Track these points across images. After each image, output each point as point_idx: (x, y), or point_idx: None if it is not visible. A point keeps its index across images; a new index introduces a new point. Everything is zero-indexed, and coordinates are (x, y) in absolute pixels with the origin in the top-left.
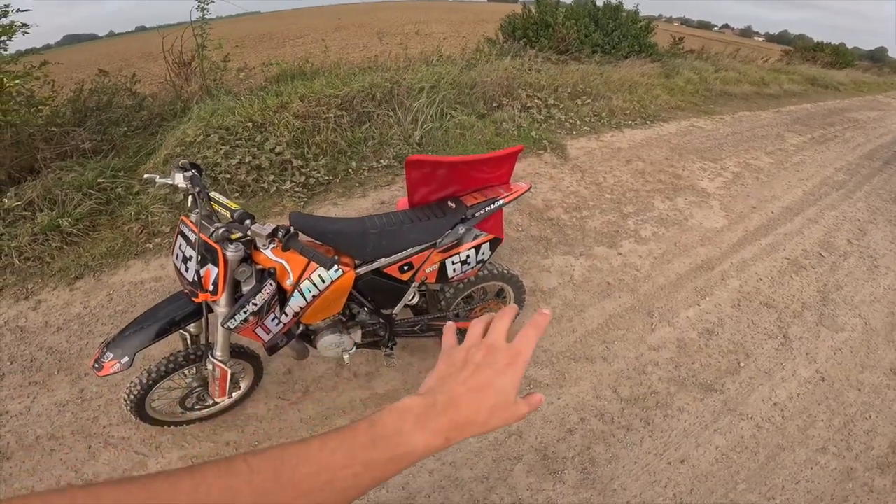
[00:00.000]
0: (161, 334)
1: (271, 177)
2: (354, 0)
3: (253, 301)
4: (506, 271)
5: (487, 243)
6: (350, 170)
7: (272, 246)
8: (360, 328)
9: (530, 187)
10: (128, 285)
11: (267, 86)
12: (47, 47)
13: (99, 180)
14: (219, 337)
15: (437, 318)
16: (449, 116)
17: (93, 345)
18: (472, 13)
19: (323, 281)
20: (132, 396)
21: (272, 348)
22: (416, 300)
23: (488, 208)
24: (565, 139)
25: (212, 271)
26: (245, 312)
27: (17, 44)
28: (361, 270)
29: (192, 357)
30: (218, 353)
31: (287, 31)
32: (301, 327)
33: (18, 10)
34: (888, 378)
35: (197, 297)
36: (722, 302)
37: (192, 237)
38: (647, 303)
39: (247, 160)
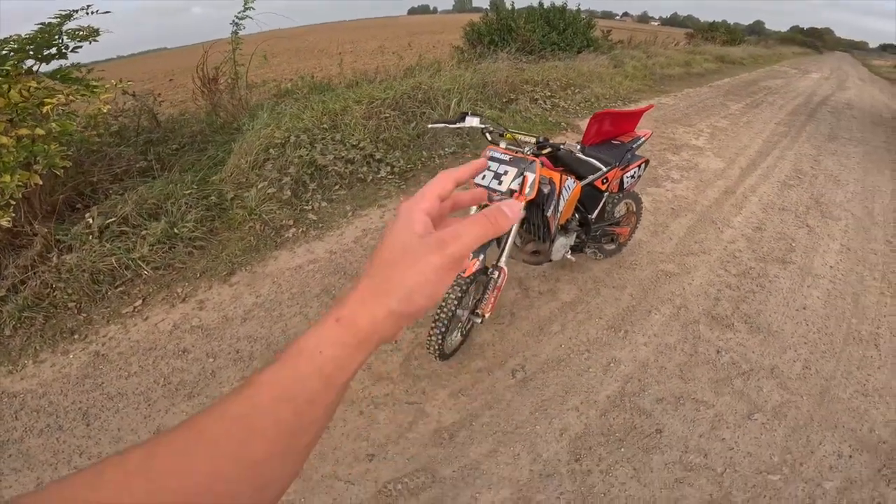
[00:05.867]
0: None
1: (364, 168)
2: (281, 26)
3: (559, 196)
4: (634, 192)
5: (645, 163)
6: (423, 159)
7: (580, 153)
8: (574, 234)
9: (652, 133)
10: (287, 272)
11: (297, 97)
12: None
13: (185, 192)
14: (509, 242)
15: (609, 224)
16: (482, 111)
17: (291, 324)
18: (402, 28)
19: (569, 189)
20: (445, 318)
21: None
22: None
23: (639, 142)
24: (575, 120)
25: (529, 177)
26: (557, 206)
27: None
28: (584, 182)
29: (484, 269)
30: (504, 258)
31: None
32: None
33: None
34: (884, 242)
35: None
36: (755, 211)
37: (506, 157)
38: (707, 216)
39: (341, 155)
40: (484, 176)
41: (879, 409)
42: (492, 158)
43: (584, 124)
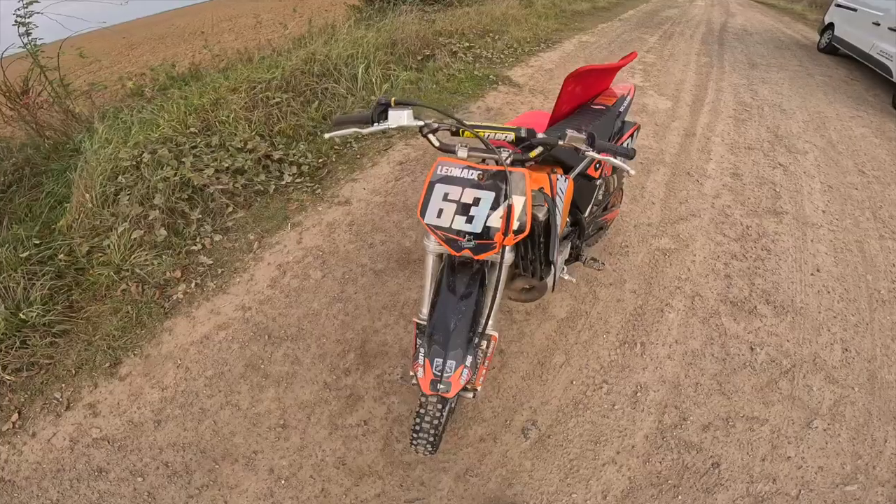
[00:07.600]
0: (475, 318)
1: (261, 176)
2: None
3: (557, 212)
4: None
5: (636, 130)
6: (336, 147)
7: (590, 150)
8: (567, 242)
9: (634, 87)
10: (192, 348)
11: (148, 97)
12: None
13: (21, 257)
14: (496, 301)
15: (602, 209)
16: (396, 76)
17: (221, 420)
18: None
19: (562, 193)
20: (431, 430)
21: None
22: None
23: (626, 103)
24: (503, 71)
25: (516, 204)
26: (557, 229)
27: None
28: (573, 174)
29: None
30: (491, 322)
31: (110, 49)
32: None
33: None
34: (857, 173)
35: (491, 249)
36: (723, 154)
37: (472, 175)
38: (680, 167)
39: (224, 165)
40: (440, 211)
41: None
42: (446, 180)
43: (514, 74)
